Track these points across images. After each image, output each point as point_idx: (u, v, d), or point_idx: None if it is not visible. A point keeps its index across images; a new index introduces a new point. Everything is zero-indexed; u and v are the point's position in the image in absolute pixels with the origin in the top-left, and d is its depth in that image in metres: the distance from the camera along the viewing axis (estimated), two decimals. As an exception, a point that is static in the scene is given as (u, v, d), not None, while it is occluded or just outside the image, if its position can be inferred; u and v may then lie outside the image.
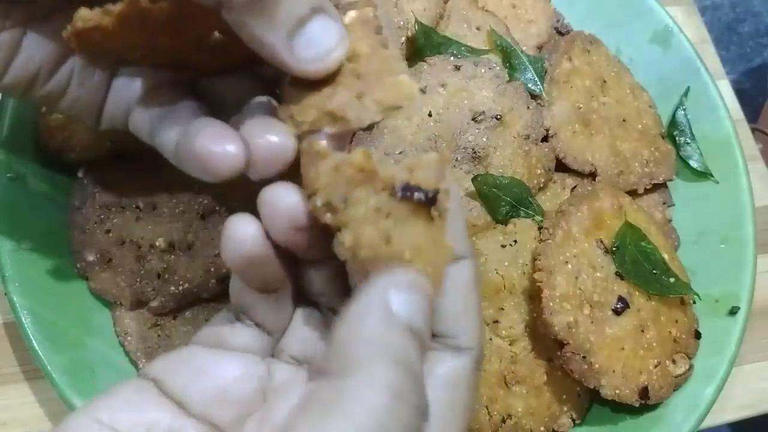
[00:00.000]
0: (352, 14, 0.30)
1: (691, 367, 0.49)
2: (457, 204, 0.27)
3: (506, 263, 0.48)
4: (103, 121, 0.37)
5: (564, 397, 0.47)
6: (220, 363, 0.28)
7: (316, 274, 0.30)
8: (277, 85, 0.34)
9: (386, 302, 0.23)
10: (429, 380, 0.26)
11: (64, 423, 0.26)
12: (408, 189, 0.26)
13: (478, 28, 0.58)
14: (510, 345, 0.47)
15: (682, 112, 0.61)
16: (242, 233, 0.28)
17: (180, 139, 0.31)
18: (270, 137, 0.29)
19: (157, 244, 0.48)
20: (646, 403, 0.47)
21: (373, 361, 0.22)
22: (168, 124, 0.33)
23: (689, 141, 0.60)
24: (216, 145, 0.29)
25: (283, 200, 0.27)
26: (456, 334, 0.27)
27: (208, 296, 0.48)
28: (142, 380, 0.28)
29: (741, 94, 0.73)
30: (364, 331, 0.23)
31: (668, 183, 0.59)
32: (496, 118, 0.52)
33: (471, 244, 0.28)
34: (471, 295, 0.27)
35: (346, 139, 0.32)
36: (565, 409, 0.47)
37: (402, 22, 0.54)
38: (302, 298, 0.32)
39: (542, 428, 0.47)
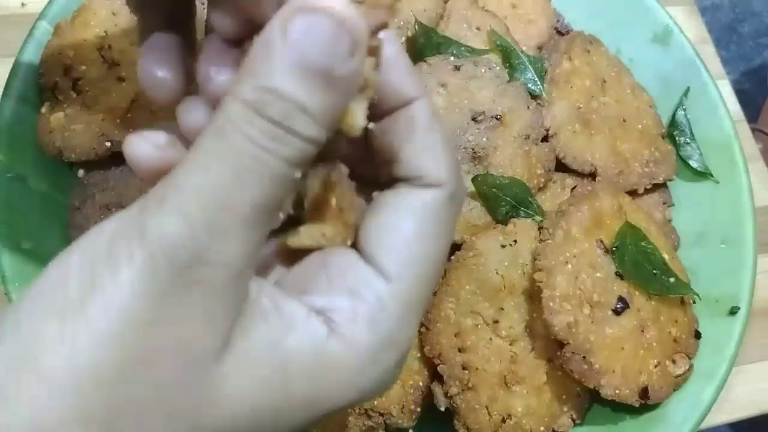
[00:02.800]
0: None
1: (691, 367, 0.49)
2: (400, 49, 0.25)
3: (506, 263, 0.48)
4: None
5: (564, 397, 0.47)
6: None
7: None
8: None
9: (284, 26, 0.20)
10: (393, 214, 0.24)
11: None
12: None
13: (478, 28, 0.58)
14: (510, 345, 0.47)
15: (682, 112, 0.61)
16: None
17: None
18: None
19: (157, 244, 0.48)
20: (646, 403, 0.47)
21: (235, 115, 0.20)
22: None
23: (689, 141, 0.60)
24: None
25: None
26: (421, 172, 0.25)
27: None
28: None
29: (741, 94, 0.73)
30: (248, 67, 0.20)
31: (668, 183, 0.59)
32: (496, 118, 0.52)
33: (420, 83, 0.25)
34: (433, 130, 0.25)
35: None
36: (565, 409, 0.47)
37: (402, 22, 0.54)
38: None
39: (542, 428, 0.46)
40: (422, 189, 0.25)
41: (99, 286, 0.20)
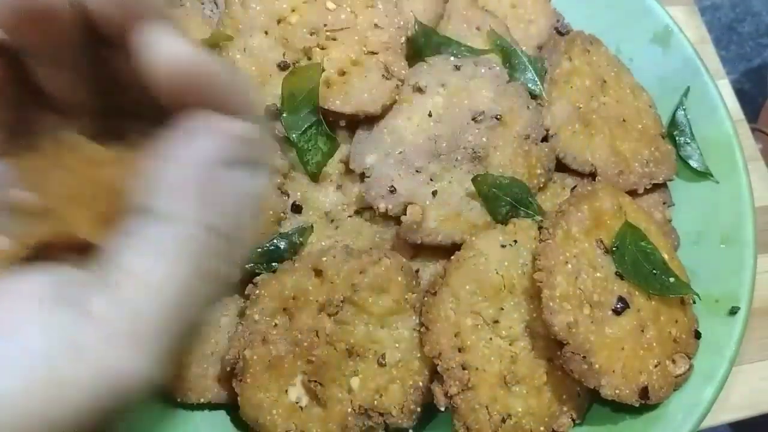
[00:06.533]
0: None
1: (691, 367, 0.49)
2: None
3: (506, 263, 0.48)
4: None
5: (564, 397, 0.47)
6: None
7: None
8: None
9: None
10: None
11: None
12: None
13: (478, 28, 0.58)
14: (510, 345, 0.47)
15: (682, 112, 0.61)
16: None
17: None
18: None
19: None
20: (646, 403, 0.47)
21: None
22: None
23: (689, 141, 0.60)
24: None
25: None
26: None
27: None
28: None
29: (741, 94, 0.73)
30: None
31: (668, 183, 0.59)
32: (496, 118, 0.52)
33: None
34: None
35: None
36: (565, 409, 0.47)
37: (402, 22, 0.54)
38: None
39: (542, 428, 0.46)
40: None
41: None
